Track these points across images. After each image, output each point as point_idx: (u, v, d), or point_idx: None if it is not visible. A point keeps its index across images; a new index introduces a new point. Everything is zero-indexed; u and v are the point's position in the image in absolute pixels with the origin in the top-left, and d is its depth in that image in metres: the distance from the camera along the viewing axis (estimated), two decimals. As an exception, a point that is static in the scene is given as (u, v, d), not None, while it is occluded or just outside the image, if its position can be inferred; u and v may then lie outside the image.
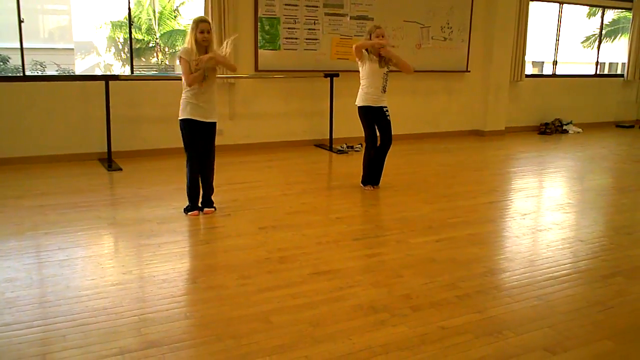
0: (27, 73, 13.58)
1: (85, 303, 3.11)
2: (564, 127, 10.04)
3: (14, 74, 10.67)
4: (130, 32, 7.53)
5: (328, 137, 7.84)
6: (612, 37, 18.51)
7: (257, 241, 4.19)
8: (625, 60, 11.26)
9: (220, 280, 3.51)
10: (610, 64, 17.33)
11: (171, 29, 17.42)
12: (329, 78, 7.67)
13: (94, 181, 5.87)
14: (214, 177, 4.90)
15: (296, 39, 7.71)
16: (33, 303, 3.12)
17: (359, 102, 5.67)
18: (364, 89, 5.60)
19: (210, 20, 4.80)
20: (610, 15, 16.37)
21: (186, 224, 4.58)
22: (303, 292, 3.35)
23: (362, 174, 5.81)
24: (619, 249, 4.27)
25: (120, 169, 6.30)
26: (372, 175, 5.77)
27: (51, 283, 3.39)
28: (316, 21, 7.78)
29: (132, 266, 3.70)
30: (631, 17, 11.00)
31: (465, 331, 2.92)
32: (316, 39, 7.84)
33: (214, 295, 3.29)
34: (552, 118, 10.20)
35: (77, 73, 16.17)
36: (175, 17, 17.68)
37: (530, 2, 9.57)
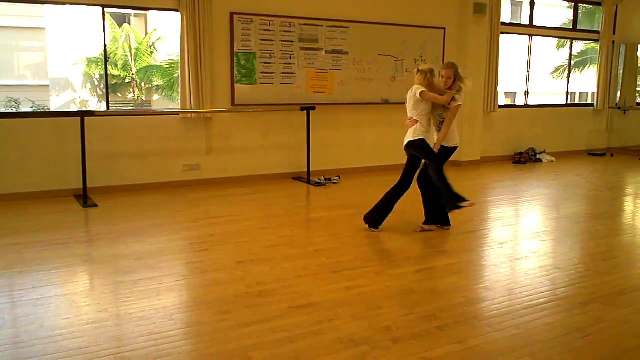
0: (1, 110, 13.48)
1: (59, 343, 3.04)
2: (538, 156, 10.21)
3: (-12, 112, 10.55)
4: (106, 68, 7.53)
5: (306, 170, 7.86)
6: (581, 68, 19.00)
7: (235, 276, 4.16)
8: (595, 90, 11.56)
9: (197, 316, 3.46)
10: (581, 93, 17.74)
11: (147, 64, 17.46)
12: (305, 111, 7.73)
13: (70, 218, 5.79)
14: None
15: (272, 73, 7.78)
16: (5, 344, 3.04)
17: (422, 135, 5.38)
18: (426, 126, 5.39)
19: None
20: (579, 46, 16.83)
21: (164, 259, 4.53)
22: (282, 326, 3.32)
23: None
24: (595, 275, 4.31)
25: (96, 205, 6.22)
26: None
27: (24, 323, 3.31)
28: (292, 55, 7.87)
29: (108, 304, 3.64)
30: (598, 48, 11.32)
31: (446, 362, 2.91)
32: (292, 73, 7.92)
33: (191, 332, 3.25)
34: (526, 147, 10.37)
35: (52, 109, 16.05)
36: (151, 53, 17.74)
37: (501, 35, 9.80)
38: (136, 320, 3.37)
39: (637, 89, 12.39)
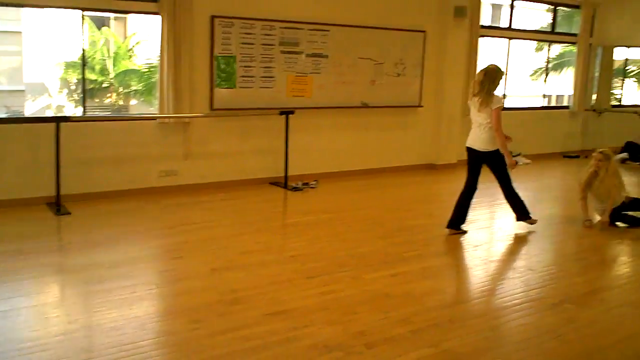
0: (-25, 116, 13.27)
1: (27, 356, 2.99)
2: (514, 158, 10.25)
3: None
4: (84, 73, 7.45)
5: (283, 175, 7.84)
6: (559, 70, 19.21)
7: (209, 283, 4.12)
8: (571, 93, 11.68)
9: (170, 326, 3.43)
10: (558, 96, 17.94)
11: (126, 68, 17.31)
12: (284, 115, 7.71)
13: (41, 227, 5.68)
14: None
15: (252, 77, 7.74)
16: (-29, 358, 2.98)
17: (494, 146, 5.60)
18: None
19: None
20: (557, 49, 16.99)
21: (137, 267, 4.48)
22: (257, 333, 3.30)
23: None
24: (567, 276, 4.36)
25: (69, 213, 6.12)
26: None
27: (-9, 336, 3.25)
28: (272, 59, 7.84)
29: (78, 314, 3.59)
30: (576, 50, 11.44)
31: (419, 367, 2.91)
32: (272, 77, 7.89)
33: (164, 342, 3.22)
34: (502, 150, 10.43)
35: (27, 115, 15.84)
36: (130, 57, 17.59)
37: (480, 38, 9.87)
38: (107, 330, 3.32)
39: (612, 91, 12.58)
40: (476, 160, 5.65)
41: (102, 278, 4.20)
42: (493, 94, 5.40)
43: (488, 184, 8.32)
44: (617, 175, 5.77)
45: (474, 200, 5.63)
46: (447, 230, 5.57)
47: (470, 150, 5.69)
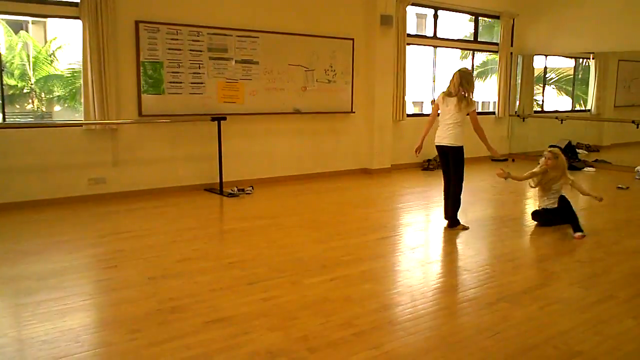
0: None
1: (-49, 375, 2.81)
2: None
3: None
4: (1, 78, 7.09)
5: (218, 181, 7.74)
6: (484, 77, 19.92)
7: (147, 292, 4.01)
8: (496, 99, 12.14)
9: (107, 337, 3.30)
10: (483, 102, 18.57)
11: (47, 74, 16.63)
12: (216, 121, 7.61)
13: (-38, 238, 5.38)
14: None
15: (181, 83, 7.62)
16: None
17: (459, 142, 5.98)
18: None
19: None
20: (481, 57, 17.63)
21: (69, 278, 4.29)
22: (197, 342, 3.23)
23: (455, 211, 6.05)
24: (502, 276, 4.50)
25: (-8, 224, 5.84)
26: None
27: None
28: (201, 65, 7.75)
29: (7, 328, 3.40)
30: (498, 59, 11.91)
31: (363, 369, 2.93)
32: (201, 83, 7.79)
33: (100, 353, 3.09)
34: (434, 155, 10.67)
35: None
36: (51, 62, 16.91)
37: (407, 46, 10.09)
38: (39, 344, 3.17)
39: (534, 97, 13.15)
40: (446, 156, 6.02)
41: (31, 290, 4.01)
42: (471, 97, 5.84)
43: (425, 188, 8.55)
44: (565, 173, 6.13)
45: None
46: (447, 228, 6.01)
47: (439, 148, 6.07)
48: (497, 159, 6.55)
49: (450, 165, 6.02)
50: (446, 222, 6.09)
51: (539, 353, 3.17)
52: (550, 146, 6.85)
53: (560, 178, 6.10)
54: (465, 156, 6.03)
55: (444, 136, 5.97)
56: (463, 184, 6.03)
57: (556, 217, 6.05)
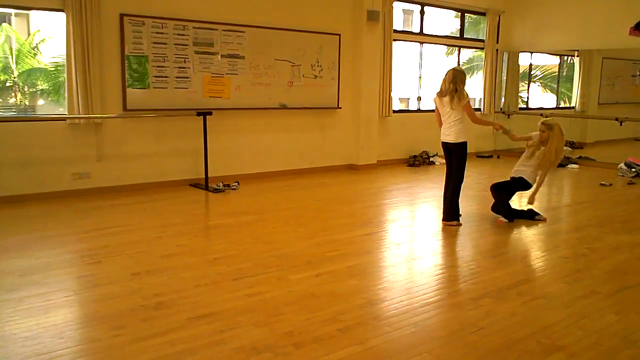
0: None
1: None
2: (431, 159, 10.61)
3: None
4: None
5: (203, 177, 7.70)
6: (470, 74, 19.98)
7: (131, 288, 3.98)
8: (481, 96, 12.20)
9: (90, 333, 3.28)
10: (470, 98, 18.67)
11: (30, 67, 16.45)
12: (202, 116, 7.57)
13: (-57, 233, 5.32)
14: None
15: (166, 77, 7.57)
16: None
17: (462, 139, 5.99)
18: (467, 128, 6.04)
19: None
20: (467, 53, 17.68)
21: (52, 274, 4.26)
22: (182, 338, 3.21)
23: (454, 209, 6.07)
24: (485, 271, 4.52)
25: (-26, 219, 5.77)
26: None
27: None
28: (186, 59, 7.70)
29: (-12, 325, 3.36)
30: (484, 55, 11.96)
31: (348, 364, 2.93)
32: (187, 77, 7.74)
33: (84, 349, 3.07)
34: (420, 151, 10.75)
35: None
36: (35, 55, 16.72)
37: (394, 42, 10.10)
38: (22, 340, 3.14)
39: (519, 94, 13.23)
40: (449, 153, 6.08)
41: (14, 286, 3.96)
42: (462, 92, 5.89)
43: (411, 184, 8.58)
44: (561, 142, 6.28)
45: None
46: (441, 224, 6.03)
47: (443, 145, 6.14)
48: (501, 134, 6.65)
49: (452, 160, 6.09)
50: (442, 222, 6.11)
51: (523, 347, 3.19)
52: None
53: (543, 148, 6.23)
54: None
55: (447, 134, 6.05)
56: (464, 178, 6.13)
57: (503, 192, 6.30)
